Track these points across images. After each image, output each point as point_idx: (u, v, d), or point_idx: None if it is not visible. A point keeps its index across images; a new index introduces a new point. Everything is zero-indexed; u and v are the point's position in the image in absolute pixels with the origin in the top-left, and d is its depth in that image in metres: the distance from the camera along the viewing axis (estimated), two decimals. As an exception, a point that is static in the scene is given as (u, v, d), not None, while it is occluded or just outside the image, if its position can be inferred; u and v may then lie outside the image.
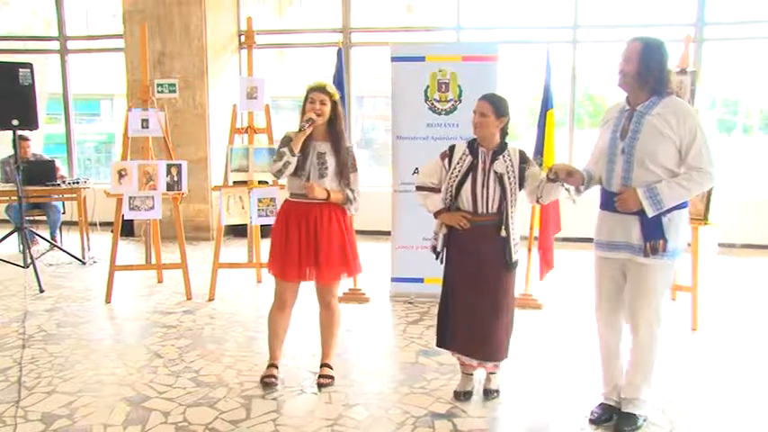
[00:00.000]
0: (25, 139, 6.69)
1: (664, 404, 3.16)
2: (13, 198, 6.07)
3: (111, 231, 5.22)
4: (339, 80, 4.99)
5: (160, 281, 5.60)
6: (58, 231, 6.97)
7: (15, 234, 6.01)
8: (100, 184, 7.21)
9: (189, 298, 5.07)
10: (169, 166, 5.05)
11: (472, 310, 3.07)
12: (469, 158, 3.08)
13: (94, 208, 6.85)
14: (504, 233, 3.05)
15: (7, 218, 6.84)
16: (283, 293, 3.36)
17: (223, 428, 2.94)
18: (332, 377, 3.42)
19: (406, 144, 4.95)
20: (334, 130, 3.29)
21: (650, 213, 2.69)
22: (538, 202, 3.13)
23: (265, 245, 3.44)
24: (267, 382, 3.35)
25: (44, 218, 6.94)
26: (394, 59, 4.94)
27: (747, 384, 3.45)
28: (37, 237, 6.53)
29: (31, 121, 5.38)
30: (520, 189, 3.09)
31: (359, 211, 3.44)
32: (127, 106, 5.89)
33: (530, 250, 4.94)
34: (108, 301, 4.97)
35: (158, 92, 5.29)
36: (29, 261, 5.45)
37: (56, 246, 6.67)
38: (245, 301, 5.07)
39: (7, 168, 6.60)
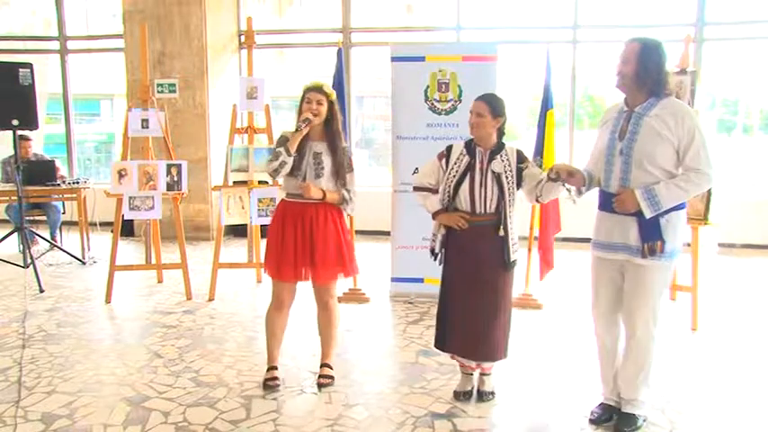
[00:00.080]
0: (27, 139, 6.70)
1: (663, 404, 3.16)
2: (13, 198, 6.07)
3: (111, 231, 5.22)
4: (339, 80, 5.00)
5: (160, 281, 5.60)
6: (58, 231, 6.97)
7: (15, 234, 6.01)
8: (100, 184, 7.20)
9: (189, 298, 5.07)
10: (169, 166, 5.06)
11: (470, 310, 3.08)
12: (467, 158, 3.08)
13: (94, 208, 6.85)
14: (502, 233, 3.05)
15: (7, 218, 6.84)
16: (280, 294, 3.36)
17: (223, 428, 2.94)
18: (332, 377, 3.42)
19: (406, 144, 4.95)
20: (330, 130, 3.29)
21: (648, 215, 2.69)
22: (537, 201, 3.13)
23: (265, 245, 3.45)
24: (270, 385, 3.35)
25: (44, 218, 6.94)
26: (394, 59, 4.94)
27: (747, 384, 3.45)
28: (37, 237, 6.53)
29: (31, 121, 5.39)
30: (518, 188, 3.09)
31: (354, 212, 3.44)
32: (127, 106, 5.89)
33: (530, 250, 4.94)
34: (108, 301, 4.97)
35: (158, 92, 5.29)
36: (29, 261, 5.45)
37: (56, 246, 6.67)
38: (245, 301, 5.07)
39: (8, 168, 6.60)
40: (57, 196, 6.76)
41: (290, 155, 3.17)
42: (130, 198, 4.99)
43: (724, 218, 6.16)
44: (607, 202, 2.83)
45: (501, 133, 3.12)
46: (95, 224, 7.00)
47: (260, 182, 5.23)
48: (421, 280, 4.96)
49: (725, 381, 3.49)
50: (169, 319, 4.59)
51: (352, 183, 3.34)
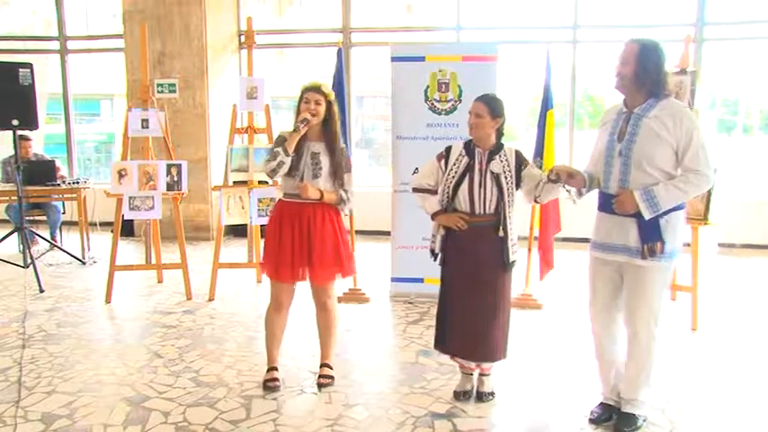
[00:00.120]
0: (27, 139, 6.70)
1: (663, 404, 3.16)
2: (13, 198, 6.07)
3: (111, 231, 5.22)
4: (339, 80, 5.00)
5: (160, 281, 5.60)
6: (58, 231, 6.97)
7: (15, 234, 6.01)
8: (100, 184, 7.20)
9: (189, 298, 5.07)
10: (169, 166, 5.06)
11: (469, 310, 3.08)
12: (466, 159, 3.08)
13: (94, 208, 6.85)
14: (502, 233, 3.05)
15: (7, 218, 6.84)
16: (279, 294, 3.36)
17: (223, 428, 2.94)
18: (332, 377, 3.42)
19: (406, 144, 4.95)
20: (328, 130, 3.28)
21: (647, 216, 2.69)
22: (536, 201, 3.14)
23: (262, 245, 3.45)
24: (270, 386, 3.34)
25: (44, 218, 6.94)
26: (394, 59, 4.94)
27: (747, 384, 3.45)
28: (37, 237, 6.53)
29: (31, 121, 5.39)
30: (517, 189, 3.09)
31: (352, 212, 3.44)
32: (127, 106, 5.89)
33: (530, 250, 4.94)
34: (108, 301, 4.97)
35: (158, 92, 5.29)
36: (29, 261, 5.45)
37: (56, 246, 6.67)
38: (245, 301, 5.07)
39: (8, 168, 6.60)
40: (57, 196, 6.76)
41: (287, 155, 3.16)
42: (130, 198, 4.99)
43: (724, 218, 6.16)
44: (606, 203, 2.83)
45: (500, 134, 3.12)
46: (95, 224, 7.00)
47: (260, 182, 5.23)
48: (421, 280, 4.96)
49: (725, 381, 3.49)
50: (169, 319, 4.59)
51: (349, 183, 3.34)
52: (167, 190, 5.04)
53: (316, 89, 3.24)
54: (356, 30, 7.95)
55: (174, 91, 5.40)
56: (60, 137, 8.95)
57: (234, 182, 5.20)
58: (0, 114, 5.22)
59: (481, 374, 3.24)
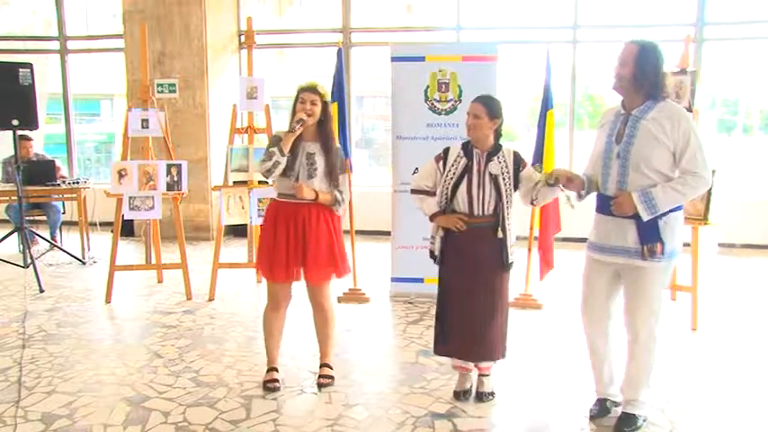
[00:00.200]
0: (28, 138, 6.70)
1: (663, 404, 3.16)
2: (13, 198, 6.07)
3: (111, 231, 5.22)
4: (339, 80, 4.99)
5: (160, 281, 5.60)
6: (58, 231, 6.97)
7: (15, 234, 6.01)
8: (100, 184, 7.20)
9: (189, 298, 5.07)
10: (169, 166, 5.06)
11: (468, 311, 3.08)
12: (464, 160, 3.08)
13: (94, 208, 6.85)
14: (501, 235, 3.05)
15: (7, 218, 6.84)
16: (276, 294, 3.36)
17: (223, 428, 2.94)
18: (332, 377, 3.42)
19: (406, 144, 4.95)
20: (324, 130, 3.28)
21: (645, 217, 2.69)
22: (532, 203, 3.14)
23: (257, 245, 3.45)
24: (270, 387, 3.34)
25: (44, 218, 6.94)
26: (394, 59, 4.94)
27: (747, 384, 3.45)
28: (37, 237, 6.53)
29: (31, 121, 5.39)
30: (515, 190, 3.09)
31: (349, 212, 3.43)
32: (127, 106, 5.89)
33: (530, 250, 4.94)
34: (108, 301, 4.97)
35: (158, 92, 5.29)
36: (29, 261, 5.45)
37: (56, 246, 6.67)
38: (245, 301, 5.07)
39: (9, 168, 6.60)
40: (57, 196, 6.76)
41: (283, 155, 3.15)
42: (130, 198, 4.99)
43: (724, 218, 6.16)
44: (605, 205, 2.83)
45: (498, 135, 3.12)
46: (95, 224, 7.00)
47: (260, 182, 5.22)
48: (421, 280, 4.96)
49: (725, 381, 3.49)
50: (169, 319, 4.59)
51: (344, 184, 3.34)
52: (167, 190, 5.04)
53: (311, 89, 3.23)
54: (356, 30, 7.95)
55: (174, 91, 5.40)
56: (60, 137, 8.95)
57: (234, 182, 5.20)
58: (0, 114, 5.22)
59: (481, 375, 3.24)
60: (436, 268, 3.25)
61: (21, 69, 5.28)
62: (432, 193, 3.18)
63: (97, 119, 11.04)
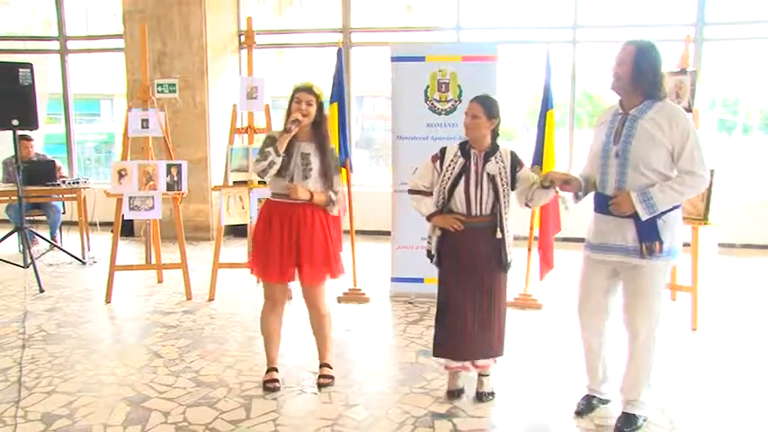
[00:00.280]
0: (29, 139, 6.70)
1: (663, 404, 3.16)
2: (13, 198, 6.07)
3: (111, 231, 5.22)
4: (339, 80, 5.00)
5: (160, 281, 5.60)
6: (58, 231, 6.97)
7: (15, 234, 6.01)
8: (100, 184, 7.21)
9: (189, 298, 5.07)
10: (169, 166, 5.06)
11: (466, 310, 3.08)
12: (461, 160, 3.08)
13: (94, 208, 6.85)
14: (500, 235, 3.06)
15: (7, 218, 6.84)
16: (273, 294, 3.35)
17: (223, 428, 2.94)
18: (332, 377, 3.42)
19: (406, 144, 4.95)
20: (319, 131, 3.27)
21: (644, 217, 2.70)
22: (527, 205, 3.14)
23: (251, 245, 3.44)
24: (270, 387, 3.34)
25: (44, 218, 6.94)
26: (394, 59, 4.94)
27: (747, 384, 3.45)
28: (37, 237, 6.53)
29: (31, 121, 5.39)
30: (512, 190, 3.10)
31: (337, 212, 3.43)
32: (127, 106, 5.89)
33: (530, 250, 4.95)
34: (108, 301, 4.97)
35: (158, 92, 5.30)
36: (29, 261, 5.45)
37: (56, 246, 6.67)
38: (245, 301, 5.07)
39: (10, 168, 6.60)
40: (57, 196, 6.76)
41: (278, 155, 3.14)
42: (130, 198, 4.99)
43: (724, 218, 6.15)
44: (603, 205, 2.84)
45: (495, 135, 3.12)
46: (95, 224, 7.00)
47: (260, 182, 5.22)
48: (421, 280, 4.96)
49: (725, 381, 3.49)
50: (169, 319, 4.59)
51: (338, 184, 3.34)
52: (167, 190, 5.05)
53: (307, 89, 3.22)
54: (356, 30, 7.95)
55: (174, 91, 5.40)
56: (60, 137, 8.95)
57: (234, 182, 5.19)
58: (0, 114, 5.22)
59: (480, 375, 3.24)
60: (436, 268, 3.25)
61: (21, 69, 5.28)
62: (428, 194, 3.18)
63: (97, 119, 11.04)
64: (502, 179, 3.05)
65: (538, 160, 4.69)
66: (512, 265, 3.14)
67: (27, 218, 6.10)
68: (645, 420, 2.95)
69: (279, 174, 3.19)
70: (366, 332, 4.36)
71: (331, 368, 3.46)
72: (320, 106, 3.26)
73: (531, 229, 4.92)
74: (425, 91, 4.88)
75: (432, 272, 3.35)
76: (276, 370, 3.42)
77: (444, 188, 3.09)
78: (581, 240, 3.04)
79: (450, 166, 3.09)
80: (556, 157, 4.80)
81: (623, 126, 2.78)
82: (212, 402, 3.20)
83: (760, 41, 7.32)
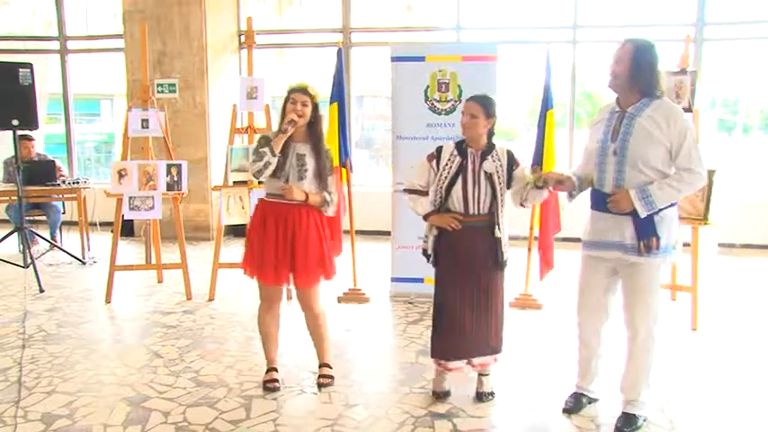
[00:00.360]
0: (30, 139, 6.70)
1: (663, 404, 3.16)
2: (13, 198, 6.07)
3: (111, 231, 5.22)
4: (339, 80, 5.00)
5: (160, 281, 5.60)
6: (58, 231, 6.97)
7: (15, 234, 6.01)
8: (100, 184, 7.21)
9: (189, 298, 5.07)
10: (169, 166, 5.06)
11: (464, 309, 3.08)
12: (458, 159, 3.07)
13: (94, 208, 6.85)
14: (498, 234, 3.05)
15: (7, 218, 6.84)
16: (268, 294, 3.35)
17: (223, 428, 2.94)
18: (332, 377, 3.42)
19: (406, 144, 4.95)
20: (314, 131, 3.26)
21: (643, 214, 2.72)
22: (522, 204, 3.14)
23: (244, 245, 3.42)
24: (270, 387, 3.34)
25: (44, 218, 6.94)
26: (394, 59, 4.94)
27: (747, 384, 3.45)
28: (37, 237, 6.53)
29: (31, 121, 5.39)
30: (507, 188, 3.10)
31: (332, 213, 3.42)
32: (127, 106, 5.89)
33: (530, 250, 4.94)
34: (108, 301, 4.97)
35: (158, 92, 5.29)
36: (29, 261, 5.45)
37: (56, 246, 6.67)
38: (246, 301, 5.06)
39: (10, 168, 6.60)
40: (57, 196, 6.76)
41: (274, 155, 3.14)
42: (130, 198, 4.99)
43: (724, 218, 6.14)
44: (600, 202, 2.84)
45: (491, 133, 3.12)
46: (95, 224, 7.00)
47: (260, 182, 5.21)
48: (421, 280, 4.96)
49: (725, 381, 3.49)
50: (169, 319, 4.59)
51: (333, 185, 3.33)
52: (167, 190, 5.05)
53: (302, 90, 3.21)
54: (356, 30, 7.95)
55: (174, 91, 5.40)
56: (60, 137, 8.95)
57: (234, 182, 5.19)
58: (0, 114, 5.22)
59: (480, 374, 3.24)
60: (433, 268, 3.24)
61: (21, 69, 5.28)
62: (424, 193, 3.17)
63: (97, 119, 11.03)
64: (499, 177, 3.05)
65: (538, 160, 4.68)
66: (507, 264, 3.15)
67: (27, 218, 6.10)
68: (645, 420, 2.95)
69: (274, 174, 3.19)
70: (366, 332, 4.36)
71: (331, 368, 3.46)
72: (315, 107, 3.25)
73: (531, 229, 4.92)
74: (425, 91, 4.88)
75: (432, 272, 3.34)
76: (276, 370, 3.42)
77: (441, 187, 3.09)
78: (581, 240, 3.04)
79: (446, 165, 3.09)
80: (556, 157, 4.79)
81: (621, 124, 2.78)
82: (212, 402, 3.20)
83: (760, 41, 7.32)
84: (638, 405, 2.92)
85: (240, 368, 3.65)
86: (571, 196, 3.02)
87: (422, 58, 4.90)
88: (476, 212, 3.05)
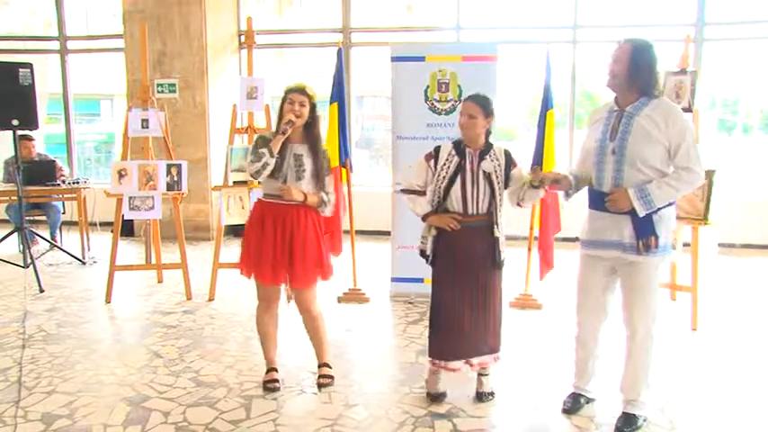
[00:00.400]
0: (30, 139, 6.70)
1: (663, 404, 3.17)
2: (13, 198, 6.07)
3: (111, 231, 5.22)
4: (339, 80, 4.99)
5: (160, 281, 5.60)
6: (58, 231, 6.97)
7: (15, 234, 6.01)
8: (100, 184, 7.21)
9: (189, 298, 5.07)
10: (169, 166, 5.06)
11: (464, 309, 3.07)
12: (456, 159, 3.07)
13: (94, 208, 6.85)
14: (497, 234, 3.05)
15: (7, 218, 6.84)
16: (266, 295, 3.35)
17: (223, 428, 2.94)
18: (332, 377, 3.42)
19: (406, 144, 4.94)
20: (311, 132, 3.26)
21: (641, 213, 2.72)
22: (519, 205, 3.14)
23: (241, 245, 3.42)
24: (270, 387, 3.34)
25: (44, 218, 6.94)
26: (394, 59, 4.94)
27: (747, 384, 3.45)
28: (37, 237, 6.53)
29: (31, 121, 5.39)
30: (505, 188, 3.10)
31: (330, 214, 3.42)
32: (127, 106, 5.89)
33: (530, 250, 4.94)
34: (108, 301, 4.97)
35: (158, 92, 5.29)
36: (29, 261, 5.45)
37: (56, 246, 6.67)
38: (245, 301, 5.06)
39: (11, 168, 6.60)
40: (57, 196, 6.76)
41: (272, 156, 3.13)
42: (130, 198, 4.99)
43: (724, 218, 6.14)
44: (598, 201, 2.85)
45: (488, 133, 3.12)
46: (95, 224, 7.00)
47: (260, 182, 5.21)
48: (421, 280, 4.96)
49: (725, 381, 3.49)
50: (169, 319, 4.59)
51: (330, 185, 3.33)
52: (167, 190, 5.05)
53: (300, 90, 3.21)
54: (356, 30, 7.95)
55: (174, 91, 5.40)
56: (60, 137, 8.95)
57: (234, 182, 5.19)
58: (0, 114, 5.22)
59: (480, 374, 3.24)
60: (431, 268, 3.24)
61: (21, 69, 5.28)
62: (422, 193, 3.17)
63: (97, 119, 11.04)
64: (497, 177, 3.05)
65: (538, 160, 4.68)
66: (505, 263, 3.15)
67: (27, 218, 6.10)
68: (645, 420, 2.95)
69: (272, 175, 3.18)
70: (366, 332, 4.36)
71: (330, 368, 3.46)
72: (313, 107, 3.24)
73: (531, 229, 4.92)
74: (425, 91, 4.88)
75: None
76: (276, 370, 3.42)
77: (440, 187, 3.08)
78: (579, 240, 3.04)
79: (445, 165, 3.08)
80: (556, 157, 4.79)
81: (619, 123, 2.79)
82: (212, 402, 3.20)
83: (760, 41, 7.32)
84: (638, 405, 2.92)
85: (240, 368, 3.65)
86: (568, 195, 3.03)
87: (422, 58, 4.90)
88: (475, 212, 3.05)
